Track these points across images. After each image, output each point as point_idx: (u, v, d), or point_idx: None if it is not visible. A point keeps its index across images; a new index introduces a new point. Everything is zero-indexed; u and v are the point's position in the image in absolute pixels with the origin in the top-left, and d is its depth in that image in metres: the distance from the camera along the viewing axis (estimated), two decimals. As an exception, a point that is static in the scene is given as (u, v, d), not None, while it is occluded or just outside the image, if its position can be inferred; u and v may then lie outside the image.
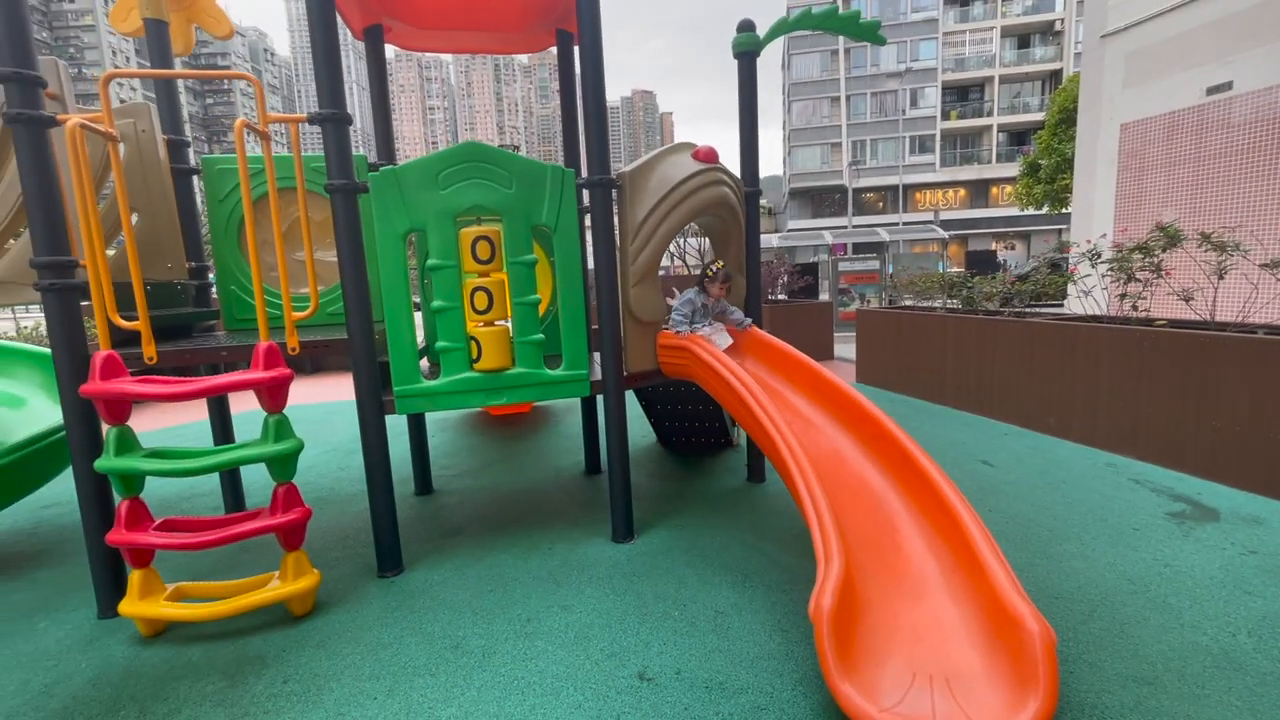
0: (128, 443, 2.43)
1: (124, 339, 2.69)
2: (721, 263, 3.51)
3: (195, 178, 3.64)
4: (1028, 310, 5.77)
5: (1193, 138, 7.76)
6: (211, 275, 3.72)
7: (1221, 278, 4.05)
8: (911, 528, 2.41)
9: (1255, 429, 3.47)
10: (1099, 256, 4.83)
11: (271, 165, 2.68)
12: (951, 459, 4.30)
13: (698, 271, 3.91)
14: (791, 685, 2.03)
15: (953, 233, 31.75)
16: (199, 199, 3.75)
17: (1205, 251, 4.16)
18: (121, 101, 3.13)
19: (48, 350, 3.57)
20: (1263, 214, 6.82)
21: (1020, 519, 3.28)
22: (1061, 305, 5.86)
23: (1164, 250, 4.35)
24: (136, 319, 2.55)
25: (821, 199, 43.16)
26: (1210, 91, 7.54)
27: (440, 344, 2.90)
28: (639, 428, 5.34)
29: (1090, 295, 5.12)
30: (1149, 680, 1.98)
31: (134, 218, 3.15)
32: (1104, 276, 4.86)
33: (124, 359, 2.46)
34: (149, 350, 2.60)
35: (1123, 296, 4.56)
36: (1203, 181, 7.65)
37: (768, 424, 2.62)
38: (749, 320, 3.61)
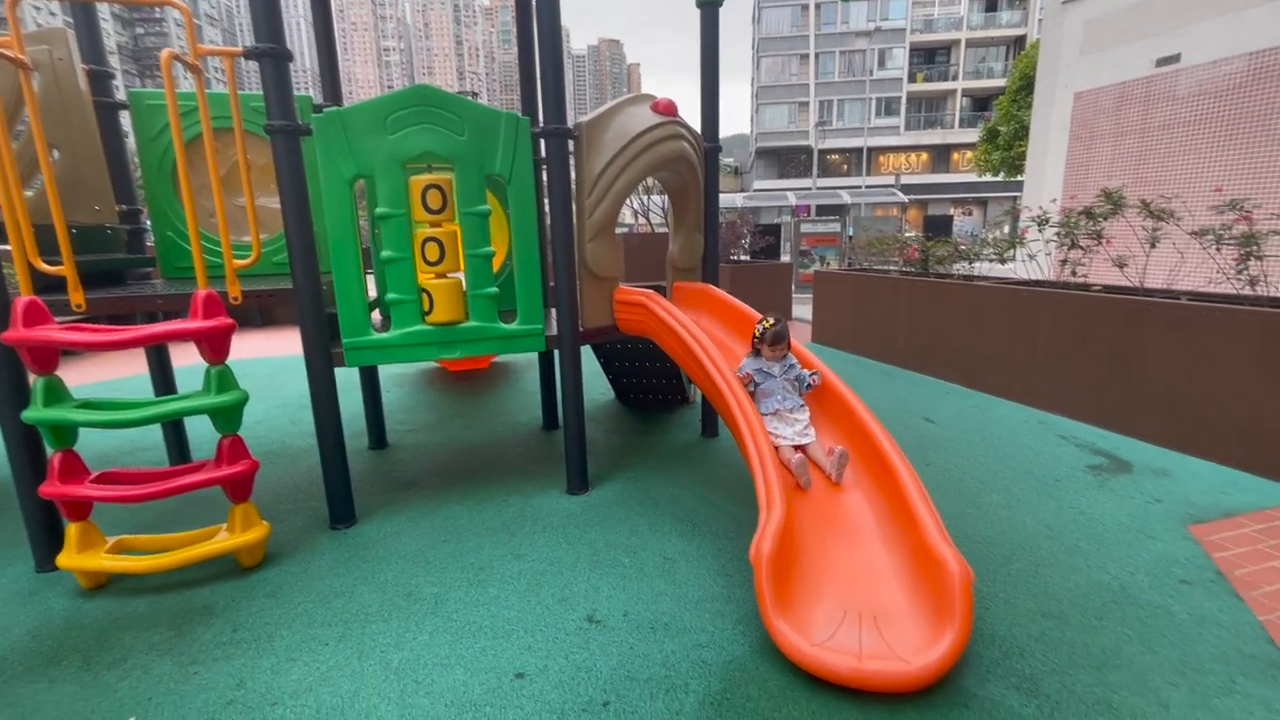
0: (56, 393, 2.33)
1: (49, 285, 2.55)
2: (772, 320, 2.89)
3: (123, 113, 3.40)
4: (976, 275, 5.97)
5: (1140, 109, 7.98)
6: (145, 220, 3.53)
7: (1154, 246, 4.26)
8: (850, 479, 2.54)
9: (1169, 388, 3.72)
10: (1047, 222, 5.00)
11: (205, 102, 2.52)
12: (896, 416, 4.48)
13: (662, 230, 3.76)
14: (732, 625, 2.14)
15: (914, 197, 32.16)
16: (129, 138, 3.52)
17: (1143, 220, 4.35)
18: (39, 26, 2.88)
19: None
20: (1197, 187, 7.14)
21: (955, 471, 3.47)
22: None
23: (1108, 217, 4.53)
24: (61, 264, 2.42)
25: (787, 159, 43.00)
26: (1160, 63, 7.74)
27: (390, 296, 2.84)
28: (598, 384, 5.38)
29: (1035, 260, 5.32)
30: (1055, 615, 2.16)
31: (54, 154, 2.94)
32: (1048, 242, 5.04)
33: (51, 306, 2.34)
34: (76, 297, 2.48)
35: (1064, 262, 4.76)
36: (1146, 153, 7.92)
37: (719, 379, 2.69)
38: (815, 374, 2.88)
